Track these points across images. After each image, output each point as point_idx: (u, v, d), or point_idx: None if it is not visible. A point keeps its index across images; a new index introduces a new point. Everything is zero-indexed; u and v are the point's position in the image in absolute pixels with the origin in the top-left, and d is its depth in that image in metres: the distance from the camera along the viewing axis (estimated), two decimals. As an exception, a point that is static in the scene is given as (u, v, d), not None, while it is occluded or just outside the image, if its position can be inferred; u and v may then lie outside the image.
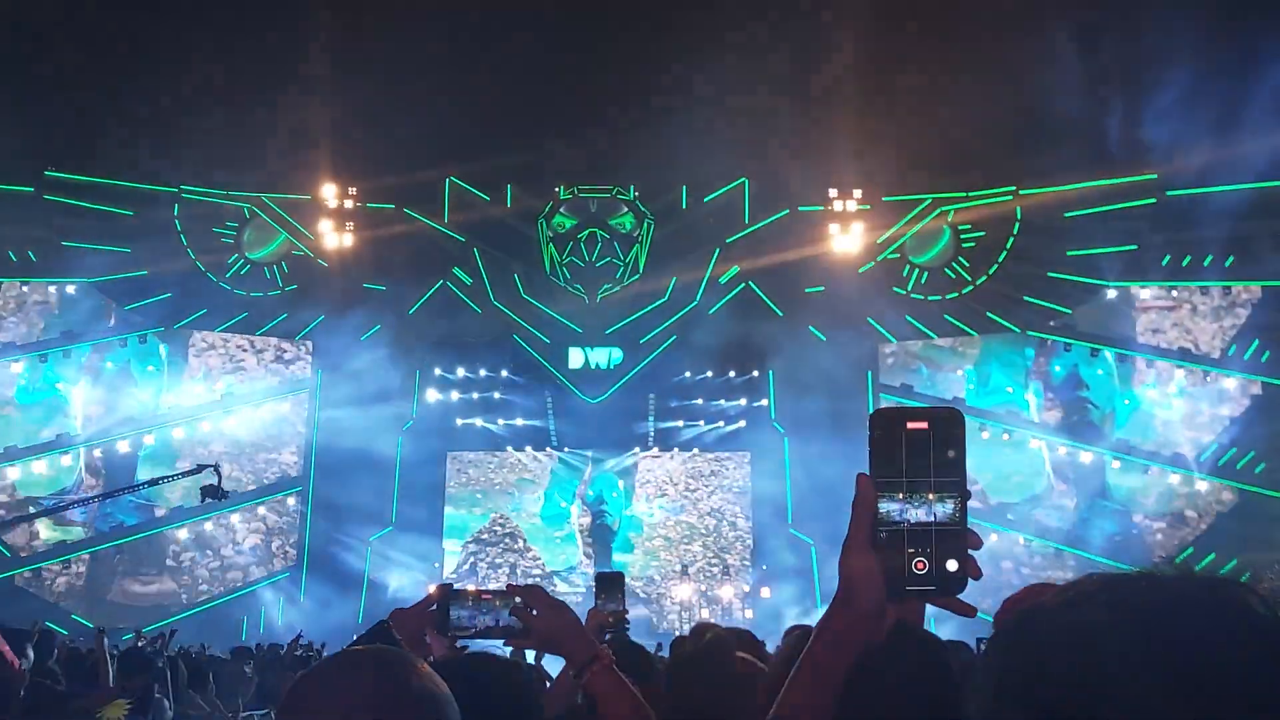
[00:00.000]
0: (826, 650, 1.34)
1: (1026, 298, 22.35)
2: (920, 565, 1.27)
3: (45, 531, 22.35)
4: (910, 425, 1.29)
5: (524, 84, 21.36)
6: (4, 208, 22.40)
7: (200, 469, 16.56)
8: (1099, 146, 20.75)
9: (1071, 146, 20.87)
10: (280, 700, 1.48)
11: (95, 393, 23.08)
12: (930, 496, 1.28)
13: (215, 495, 15.97)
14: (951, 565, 1.27)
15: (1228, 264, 21.56)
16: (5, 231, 22.58)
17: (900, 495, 1.28)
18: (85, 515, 22.16)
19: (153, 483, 19.04)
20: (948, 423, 1.30)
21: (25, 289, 23.28)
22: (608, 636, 3.68)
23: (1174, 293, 22.35)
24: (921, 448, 1.29)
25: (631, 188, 23.73)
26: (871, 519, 1.28)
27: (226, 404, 23.41)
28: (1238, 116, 18.94)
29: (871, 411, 1.32)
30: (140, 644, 11.97)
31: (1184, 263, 21.83)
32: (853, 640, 1.32)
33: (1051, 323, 22.67)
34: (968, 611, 1.32)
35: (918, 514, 1.28)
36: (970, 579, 1.28)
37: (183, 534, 22.53)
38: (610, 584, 3.93)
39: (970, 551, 1.28)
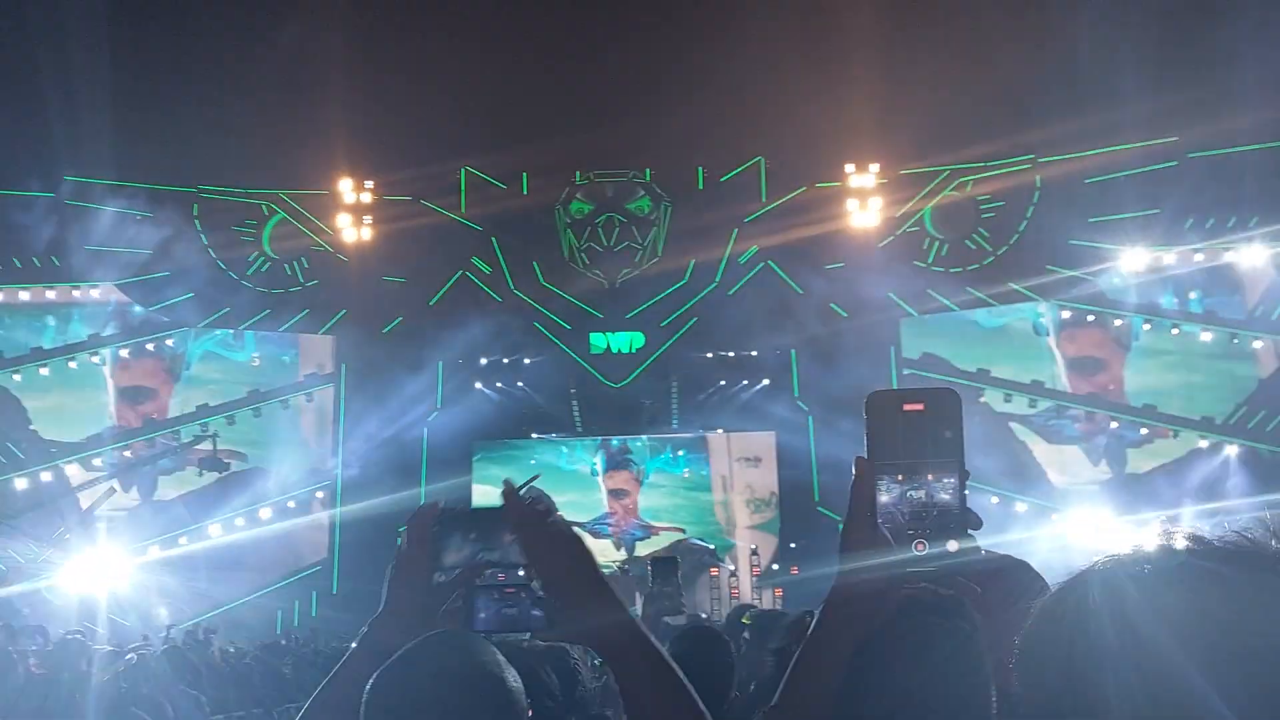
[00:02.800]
0: (830, 634, 1.34)
1: (1049, 266, 22.16)
2: (920, 547, 1.26)
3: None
4: (907, 407, 1.28)
5: (537, 71, 21.32)
6: (25, 214, 22.58)
7: (198, 439, 15.85)
8: (1118, 110, 20.51)
9: (1090, 112, 20.64)
10: (366, 696, 1.52)
11: (123, 394, 23.31)
12: (929, 477, 1.27)
13: (214, 467, 15.18)
14: (952, 546, 1.26)
15: (1252, 224, 21.32)
16: (27, 238, 22.76)
17: (899, 477, 1.27)
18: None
19: (153, 458, 18.82)
20: (945, 403, 1.29)
21: (50, 294, 23.46)
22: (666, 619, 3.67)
23: (1198, 255, 22.10)
24: (919, 429, 1.27)
25: (648, 171, 23.67)
26: (870, 502, 1.28)
27: (252, 400, 23.56)
28: (1259, 73, 18.66)
29: (869, 395, 1.30)
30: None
31: (1208, 225, 21.59)
32: (856, 623, 1.32)
33: (1075, 290, 22.49)
34: (970, 592, 1.31)
35: (917, 495, 1.27)
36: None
37: (215, 529, 22.72)
38: (664, 569, 3.93)
39: (970, 531, 1.27)
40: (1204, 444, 21.51)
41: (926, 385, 1.28)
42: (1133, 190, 21.53)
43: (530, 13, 21.05)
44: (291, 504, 23.17)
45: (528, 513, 1.66)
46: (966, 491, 1.28)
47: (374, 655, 1.65)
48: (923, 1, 20.45)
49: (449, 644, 1.60)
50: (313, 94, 20.91)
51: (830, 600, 1.34)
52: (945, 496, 1.26)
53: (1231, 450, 21.25)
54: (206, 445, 15.37)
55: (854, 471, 1.30)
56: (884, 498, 1.27)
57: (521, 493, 1.68)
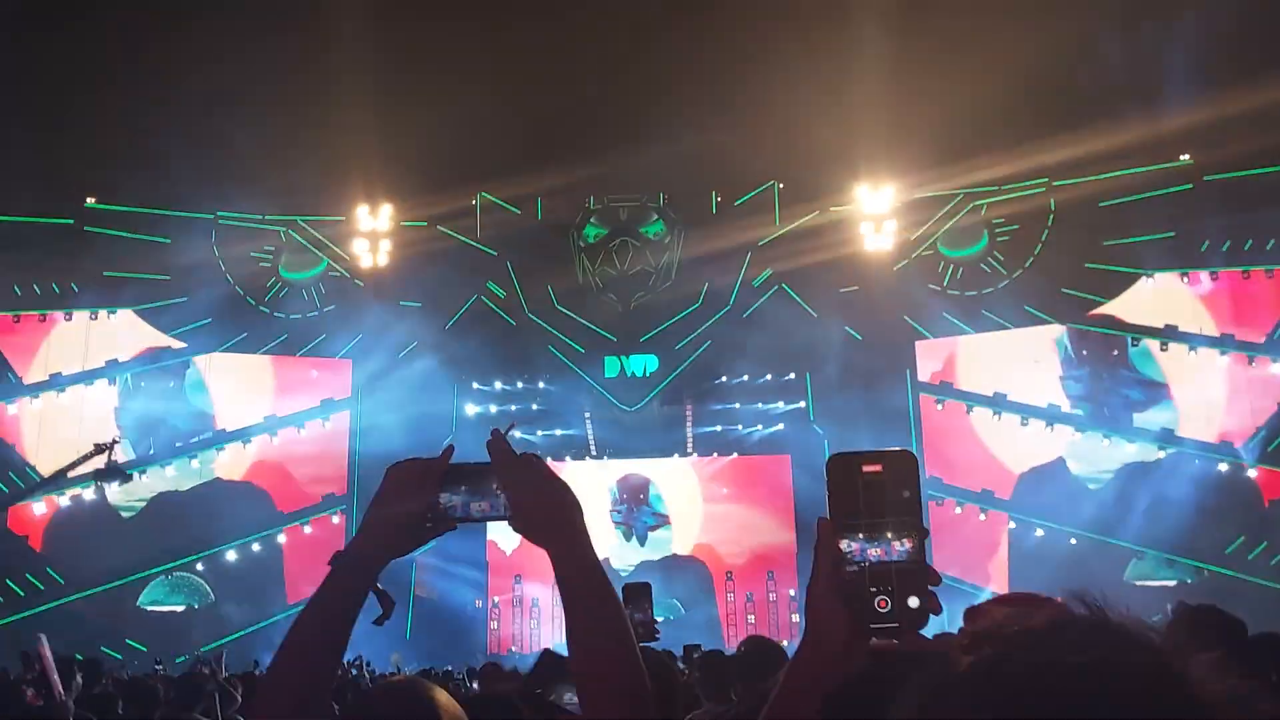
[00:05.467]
0: (796, 691, 1.39)
1: (1064, 289, 22.14)
2: (883, 603, 1.31)
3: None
4: (865, 468, 1.35)
5: (551, 96, 21.48)
6: (46, 240, 22.83)
7: (99, 449, 14.06)
8: (1132, 132, 20.52)
9: (1104, 133, 20.65)
10: None
11: (141, 417, 23.43)
12: (889, 536, 1.33)
13: (114, 476, 13.75)
14: (913, 602, 1.31)
15: (1269, 247, 21.28)
16: (48, 264, 23.01)
17: (860, 536, 1.33)
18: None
19: (58, 475, 17.94)
20: (902, 464, 1.35)
21: (68, 320, 23.64)
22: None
23: (1214, 278, 22.02)
24: (878, 489, 1.34)
25: (661, 195, 23.80)
26: (834, 561, 1.33)
27: (269, 425, 23.67)
28: (1274, 94, 18.65)
29: (829, 458, 1.36)
30: (197, 667, 12.07)
31: (1224, 247, 21.54)
32: (821, 680, 1.36)
33: (1090, 313, 22.45)
34: (935, 647, 1.33)
35: (877, 554, 1.33)
36: (931, 614, 1.32)
37: (231, 555, 22.79)
38: (637, 594, 3.97)
39: (930, 588, 1.32)
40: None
41: (884, 448, 1.35)
42: (1148, 213, 21.52)
43: (544, 39, 21.23)
44: (308, 528, 23.24)
45: (512, 455, 1.77)
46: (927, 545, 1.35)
47: (354, 569, 1.79)
48: (936, 26, 20.50)
49: (411, 691, 1.68)
50: (330, 121, 21.10)
51: (797, 657, 1.39)
52: (905, 554, 1.32)
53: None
54: (101, 458, 13.61)
55: (816, 531, 1.35)
56: (846, 556, 1.33)
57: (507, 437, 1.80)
